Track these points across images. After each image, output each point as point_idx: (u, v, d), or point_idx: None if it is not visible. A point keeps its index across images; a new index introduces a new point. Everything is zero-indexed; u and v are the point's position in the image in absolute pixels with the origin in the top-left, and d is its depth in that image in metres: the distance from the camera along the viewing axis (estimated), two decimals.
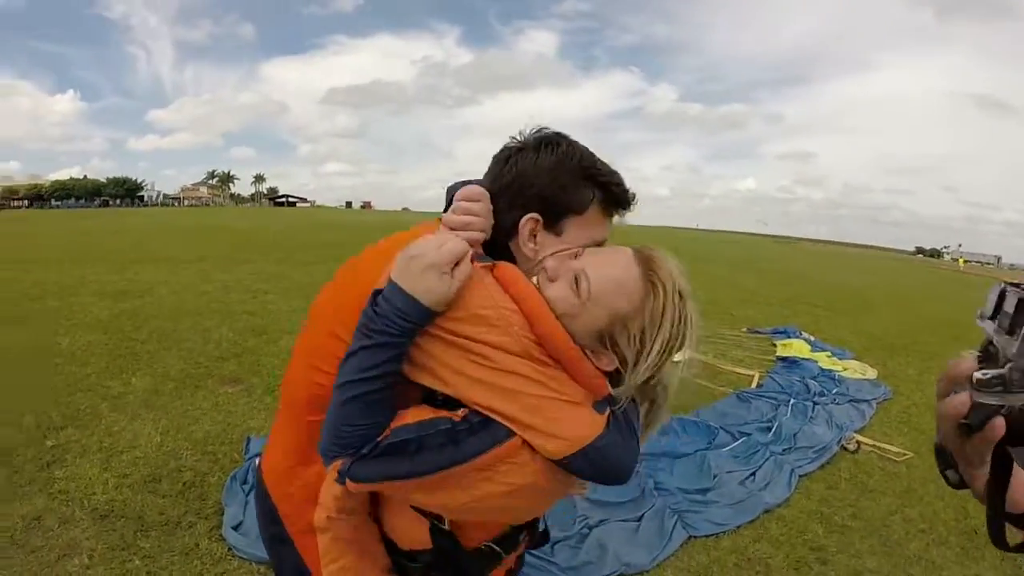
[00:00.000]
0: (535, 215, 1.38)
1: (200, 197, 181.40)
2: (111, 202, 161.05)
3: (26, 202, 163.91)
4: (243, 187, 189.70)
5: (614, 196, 1.42)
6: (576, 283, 1.26)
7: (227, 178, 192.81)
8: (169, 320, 9.45)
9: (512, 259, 1.42)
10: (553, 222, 1.39)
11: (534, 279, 1.32)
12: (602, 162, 1.41)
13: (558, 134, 1.42)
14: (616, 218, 1.48)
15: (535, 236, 1.40)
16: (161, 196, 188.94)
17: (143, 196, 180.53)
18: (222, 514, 3.95)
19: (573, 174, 1.37)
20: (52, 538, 3.68)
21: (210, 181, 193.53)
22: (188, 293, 11.94)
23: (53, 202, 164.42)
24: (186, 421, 5.44)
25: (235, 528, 3.77)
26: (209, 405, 5.84)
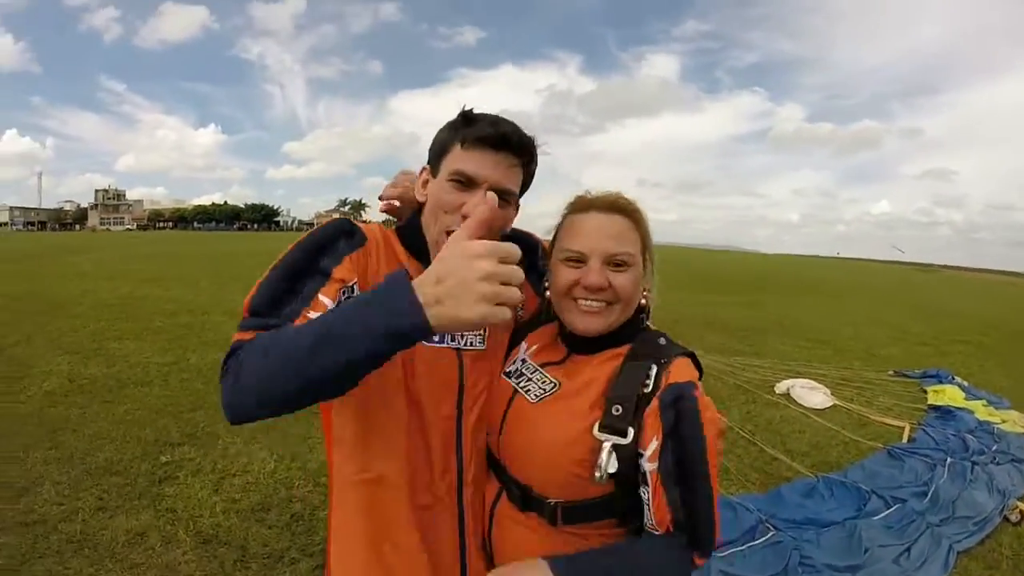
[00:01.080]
0: (426, 166, 1.52)
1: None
2: (249, 226, 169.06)
3: (170, 224, 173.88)
4: (374, 214, 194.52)
5: (473, 127, 1.40)
6: None
7: (359, 206, 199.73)
8: None
9: (421, 232, 1.51)
10: (434, 167, 1.48)
11: None
12: (486, 113, 1.45)
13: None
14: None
15: (426, 184, 1.50)
16: (296, 222, 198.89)
17: (279, 221, 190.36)
18: (327, 553, 3.72)
19: (449, 124, 1.45)
20: (152, 556, 3.68)
21: (342, 208, 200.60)
22: None
23: (195, 224, 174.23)
24: (303, 449, 5.42)
25: None
26: (321, 434, 5.62)
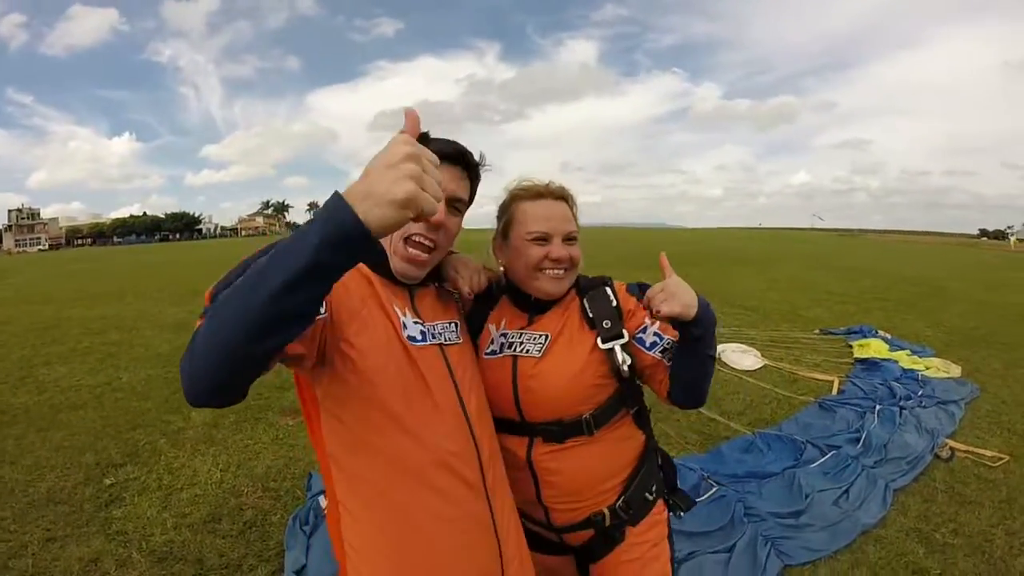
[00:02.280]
0: None
1: (256, 227, 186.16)
2: (171, 236, 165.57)
3: (89, 240, 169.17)
4: (298, 215, 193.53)
5: (435, 145, 1.33)
6: None
7: (282, 207, 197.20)
8: None
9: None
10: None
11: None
12: (437, 138, 1.52)
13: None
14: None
15: None
16: (218, 228, 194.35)
17: (201, 229, 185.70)
18: (284, 557, 3.75)
19: None
20: None
21: (265, 211, 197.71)
22: None
23: (115, 239, 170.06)
24: (246, 456, 5.40)
25: (297, 573, 3.64)
26: (270, 438, 5.79)
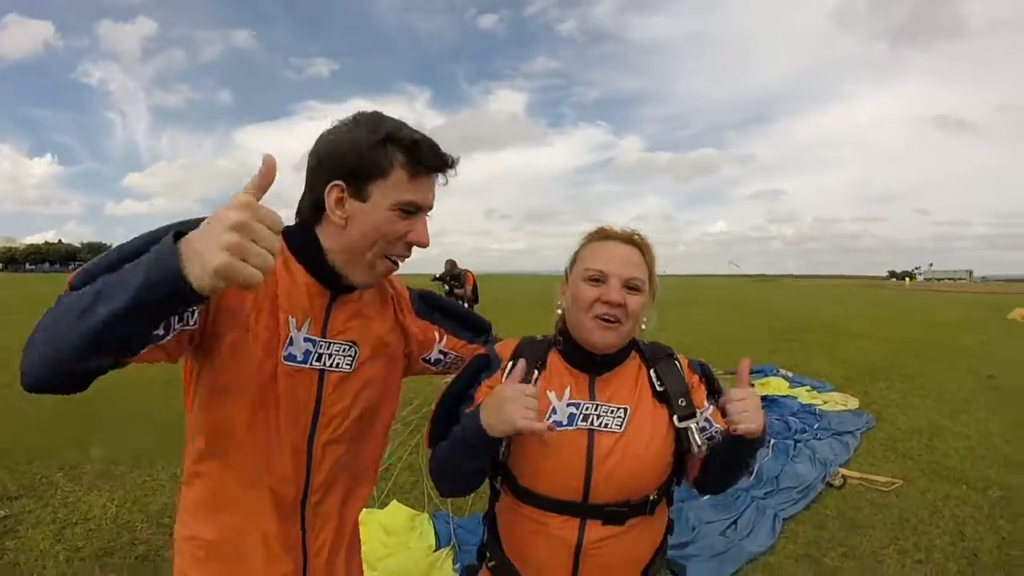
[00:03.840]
0: (339, 182, 1.43)
1: None
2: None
3: (1, 266, 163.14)
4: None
5: (419, 155, 1.44)
6: None
7: None
8: (134, 390, 9.34)
9: (317, 242, 1.51)
10: (358, 189, 1.43)
11: None
12: (412, 129, 1.46)
13: (375, 112, 1.51)
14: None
15: (343, 203, 1.44)
16: None
17: None
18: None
19: (375, 140, 1.41)
20: None
21: None
22: (157, 365, 11.48)
23: (27, 266, 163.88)
24: (142, 493, 5.44)
25: None
26: (167, 476, 5.82)
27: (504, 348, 1.81)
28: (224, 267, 0.91)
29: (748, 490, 5.37)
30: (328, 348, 1.55)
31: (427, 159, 1.45)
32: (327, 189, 1.44)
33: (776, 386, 9.67)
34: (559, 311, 1.83)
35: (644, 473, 1.67)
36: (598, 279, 1.67)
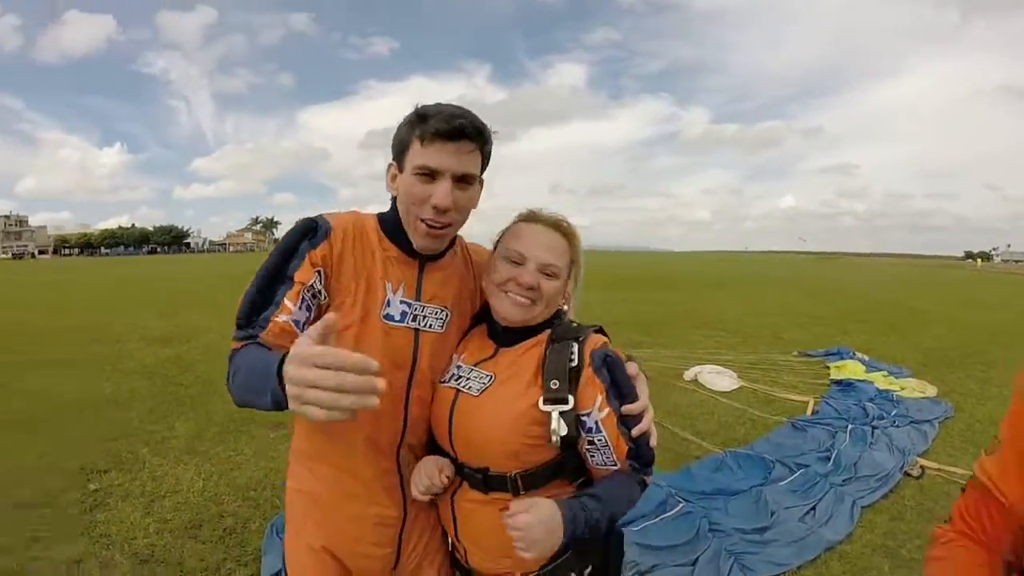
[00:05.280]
0: (392, 162, 1.70)
1: (245, 243, 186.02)
2: (159, 249, 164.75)
3: (77, 250, 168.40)
4: (286, 232, 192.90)
5: (426, 123, 1.56)
6: None
7: (270, 224, 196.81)
8: (214, 365, 9.64)
9: (399, 218, 1.70)
10: (400, 164, 1.65)
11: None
12: (439, 104, 1.61)
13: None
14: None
15: (395, 179, 1.69)
16: (207, 242, 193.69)
17: (189, 243, 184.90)
18: (261, 562, 3.91)
19: (407, 120, 1.62)
20: None
21: (254, 227, 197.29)
22: (226, 338, 11.80)
23: (103, 250, 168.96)
24: (229, 467, 5.52)
25: None
26: (252, 451, 5.91)
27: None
28: (296, 411, 1.09)
29: (826, 476, 5.25)
30: (423, 311, 1.74)
31: (432, 126, 1.55)
32: (387, 169, 1.72)
33: (852, 369, 9.38)
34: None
35: (490, 443, 1.63)
36: (517, 261, 1.69)
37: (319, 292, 1.61)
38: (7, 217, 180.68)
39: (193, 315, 15.89)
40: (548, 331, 1.73)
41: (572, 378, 1.60)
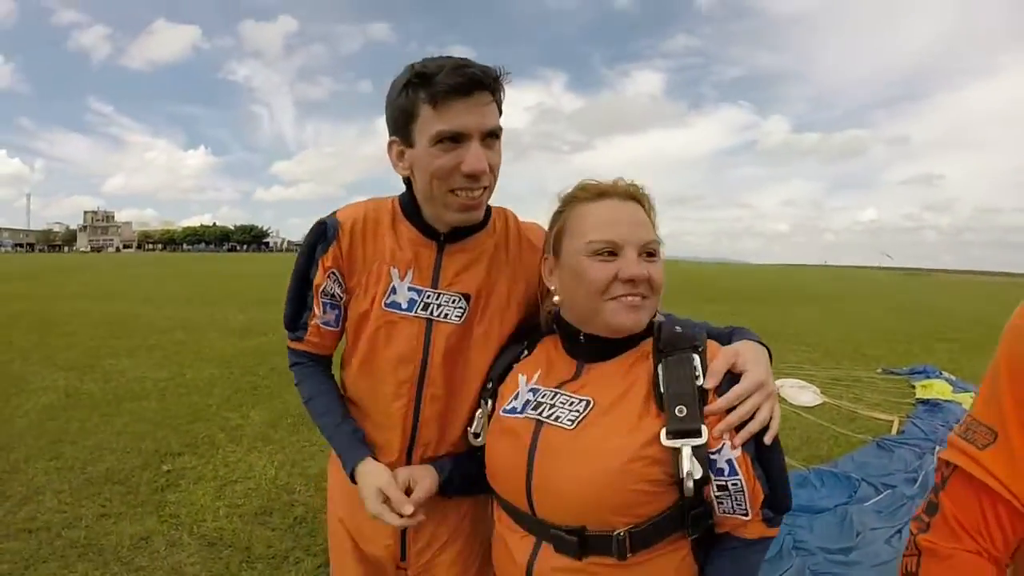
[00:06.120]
0: (393, 138, 1.48)
1: None
2: (238, 247, 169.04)
3: (160, 246, 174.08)
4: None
5: (434, 84, 1.34)
6: None
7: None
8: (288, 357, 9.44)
9: (415, 197, 1.55)
10: (405, 138, 1.44)
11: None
12: (436, 59, 1.40)
13: (412, 63, 1.44)
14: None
15: (403, 156, 1.48)
16: (286, 243, 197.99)
17: (268, 242, 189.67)
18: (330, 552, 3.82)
19: (400, 87, 1.41)
20: (157, 559, 3.77)
21: None
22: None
23: (185, 246, 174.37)
24: (301, 457, 5.54)
25: None
26: (324, 442, 5.70)
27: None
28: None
29: (914, 498, 5.00)
30: (438, 299, 1.56)
31: (443, 84, 1.33)
32: (388, 148, 1.51)
33: (940, 389, 8.96)
34: (556, 298, 1.43)
35: (595, 492, 1.23)
36: (612, 251, 1.29)
37: (335, 293, 1.59)
38: (95, 212, 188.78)
39: (270, 311, 16.16)
40: (649, 339, 1.35)
41: (700, 403, 1.22)
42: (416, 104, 1.38)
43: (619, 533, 1.23)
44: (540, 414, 1.34)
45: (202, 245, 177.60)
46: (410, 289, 1.54)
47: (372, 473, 1.47)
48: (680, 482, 1.20)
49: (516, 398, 1.42)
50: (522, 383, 1.43)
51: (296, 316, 1.63)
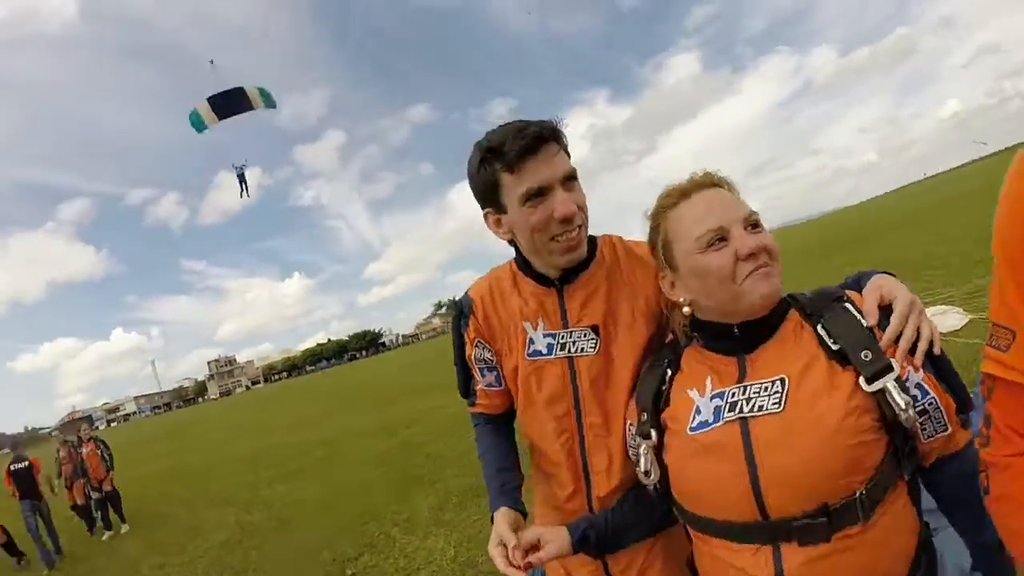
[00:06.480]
0: (487, 210, 1.61)
1: (435, 328, 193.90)
2: (357, 355, 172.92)
3: (284, 373, 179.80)
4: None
5: (503, 154, 1.48)
6: None
7: (454, 304, 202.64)
8: (439, 442, 9.89)
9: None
10: (496, 207, 1.57)
11: None
12: (496, 130, 1.55)
13: (478, 141, 1.59)
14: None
15: (500, 223, 1.60)
16: (400, 338, 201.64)
17: (384, 342, 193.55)
18: None
19: (476, 166, 1.55)
20: None
21: (439, 311, 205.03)
22: (445, 415, 12.45)
23: (307, 367, 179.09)
24: (475, 530, 5.51)
25: None
26: None
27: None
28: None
29: None
30: (571, 336, 1.64)
31: (512, 150, 1.46)
32: (485, 220, 1.64)
33: None
34: (686, 309, 1.38)
35: (828, 461, 1.19)
36: (720, 238, 1.27)
37: (486, 358, 1.74)
38: (216, 360, 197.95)
39: (404, 406, 16.47)
40: (792, 311, 1.34)
41: (874, 341, 1.23)
42: (496, 175, 1.51)
43: (859, 493, 1.19)
44: (740, 412, 1.28)
45: (323, 362, 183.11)
46: (545, 335, 1.65)
47: (500, 521, 1.55)
48: (889, 425, 1.21)
49: (699, 413, 1.33)
50: (696, 397, 1.35)
51: (466, 385, 1.82)
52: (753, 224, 1.28)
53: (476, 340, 1.73)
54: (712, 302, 1.32)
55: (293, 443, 14.45)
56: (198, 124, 17.43)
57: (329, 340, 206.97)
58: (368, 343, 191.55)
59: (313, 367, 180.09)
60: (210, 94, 17.14)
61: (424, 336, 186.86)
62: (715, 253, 1.26)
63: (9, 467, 9.62)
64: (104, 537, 9.64)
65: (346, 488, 8.44)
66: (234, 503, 9.16)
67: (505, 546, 1.44)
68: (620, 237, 1.77)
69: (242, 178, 23.30)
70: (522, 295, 1.69)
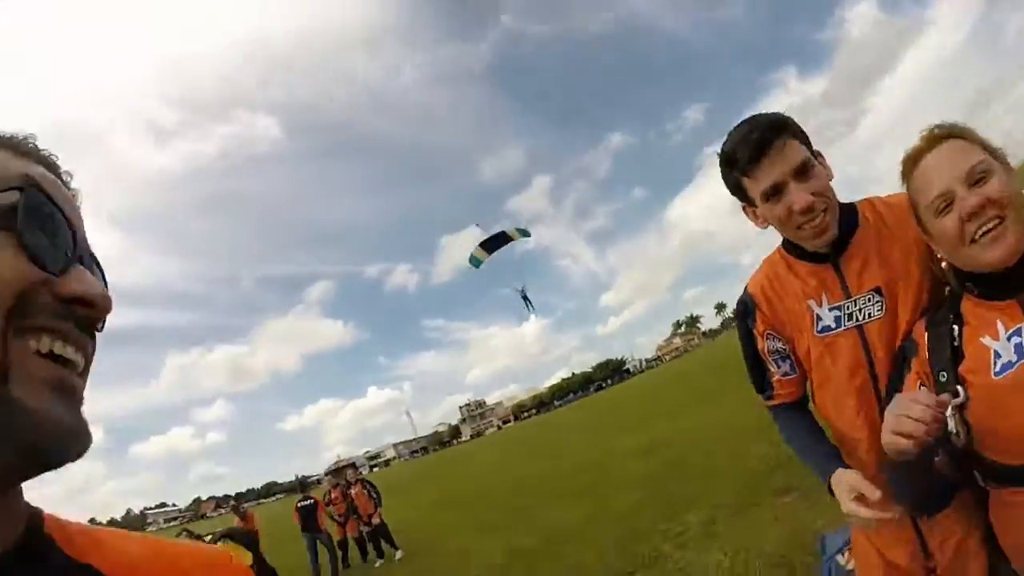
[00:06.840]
0: (742, 206, 1.77)
1: (676, 348, 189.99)
2: (603, 384, 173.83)
3: (533, 410, 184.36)
4: (710, 321, 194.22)
5: (736, 162, 1.64)
6: None
7: (692, 321, 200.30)
8: (699, 456, 9.89)
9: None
10: (748, 202, 1.72)
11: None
12: (732, 134, 1.67)
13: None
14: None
15: (755, 214, 1.73)
16: (643, 363, 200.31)
17: (628, 368, 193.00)
18: None
19: (724, 170, 1.71)
20: None
21: (678, 331, 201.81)
22: (703, 433, 12.24)
23: (555, 403, 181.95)
24: (750, 538, 5.40)
25: None
26: (769, 518, 5.73)
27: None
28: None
29: None
30: (856, 305, 1.68)
31: (742, 159, 1.62)
32: (744, 212, 1.79)
33: None
34: (943, 264, 1.49)
35: None
36: (947, 202, 1.30)
37: (779, 348, 1.83)
38: (467, 404, 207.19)
39: (657, 427, 16.50)
40: None
41: None
42: (737, 179, 1.69)
43: None
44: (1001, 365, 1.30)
45: (570, 395, 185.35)
46: (831, 309, 1.71)
47: (843, 475, 1.57)
48: None
49: (999, 356, 1.33)
50: (991, 343, 1.35)
51: (760, 380, 1.91)
52: (979, 177, 1.28)
53: (766, 332, 1.82)
54: (957, 263, 1.39)
55: (555, 470, 14.86)
56: (476, 263, 21.66)
57: (573, 373, 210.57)
58: (612, 371, 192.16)
59: (560, 401, 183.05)
60: (481, 239, 21.46)
61: (667, 357, 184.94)
62: (943, 219, 1.32)
63: (297, 504, 11.63)
64: (377, 564, 10.99)
65: (613, 508, 8.58)
66: (502, 528, 9.63)
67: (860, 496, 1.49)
68: (878, 196, 1.79)
69: (526, 297, 26.95)
70: (799, 276, 1.76)
